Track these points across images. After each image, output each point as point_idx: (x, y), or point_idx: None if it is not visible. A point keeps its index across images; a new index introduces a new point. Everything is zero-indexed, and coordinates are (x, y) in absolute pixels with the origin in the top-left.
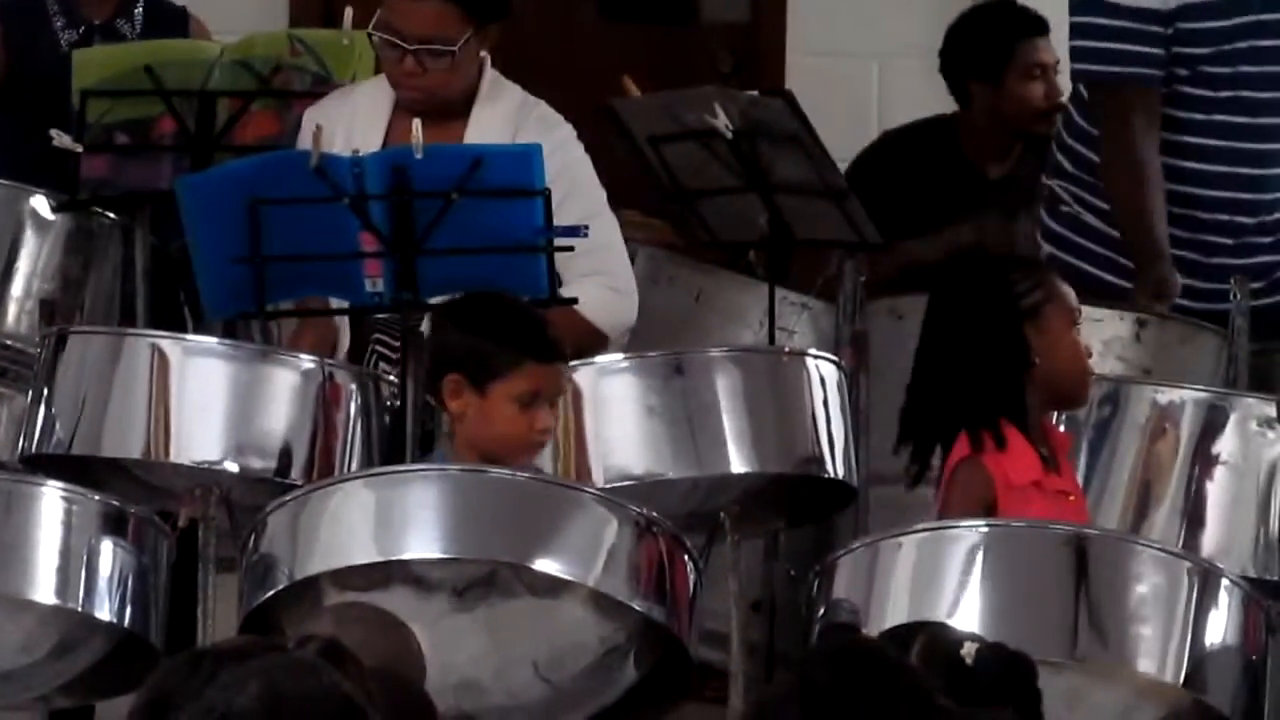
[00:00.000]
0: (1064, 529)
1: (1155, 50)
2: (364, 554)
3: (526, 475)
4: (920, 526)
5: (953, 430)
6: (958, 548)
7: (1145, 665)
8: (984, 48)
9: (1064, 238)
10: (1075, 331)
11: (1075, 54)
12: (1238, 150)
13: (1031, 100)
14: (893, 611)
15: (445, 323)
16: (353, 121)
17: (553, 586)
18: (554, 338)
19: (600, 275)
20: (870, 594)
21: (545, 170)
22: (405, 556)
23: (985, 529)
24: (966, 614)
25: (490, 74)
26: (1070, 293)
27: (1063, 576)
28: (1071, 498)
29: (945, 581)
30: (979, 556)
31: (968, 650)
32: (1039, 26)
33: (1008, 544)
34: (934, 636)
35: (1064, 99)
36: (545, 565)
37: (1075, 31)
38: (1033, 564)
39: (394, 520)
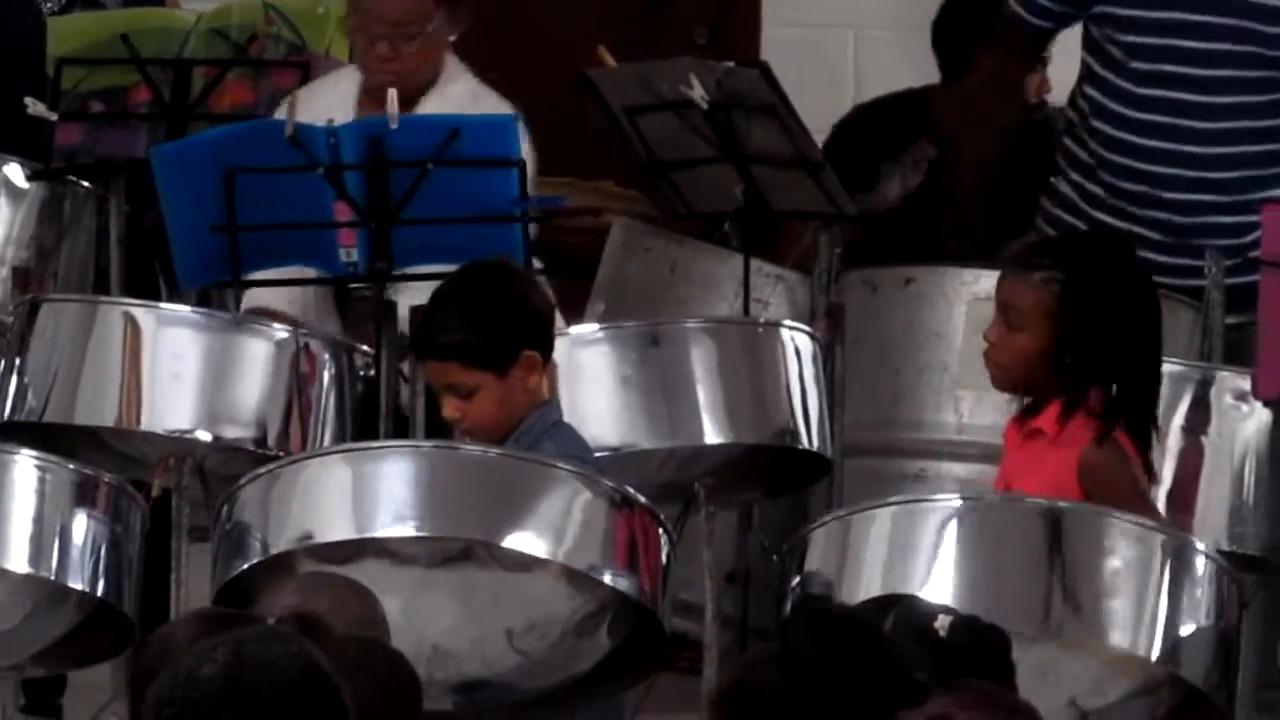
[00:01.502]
0: (1037, 502)
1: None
2: (337, 530)
3: (499, 451)
4: (893, 499)
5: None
6: (931, 520)
7: (1118, 639)
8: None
9: (1045, 209)
10: None
11: None
12: (1173, 126)
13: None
14: (866, 584)
15: None
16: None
17: (526, 562)
18: (429, 335)
19: None
20: (843, 567)
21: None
22: (378, 534)
23: (959, 501)
24: (940, 587)
25: (450, 58)
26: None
27: (1036, 549)
28: None
29: (918, 554)
30: (953, 529)
31: (941, 623)
32: None
33: (981, 516)
34: (907, 609)
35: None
36: (517, 542)
37: None
38: (1006, 537)
39: (367, 496)
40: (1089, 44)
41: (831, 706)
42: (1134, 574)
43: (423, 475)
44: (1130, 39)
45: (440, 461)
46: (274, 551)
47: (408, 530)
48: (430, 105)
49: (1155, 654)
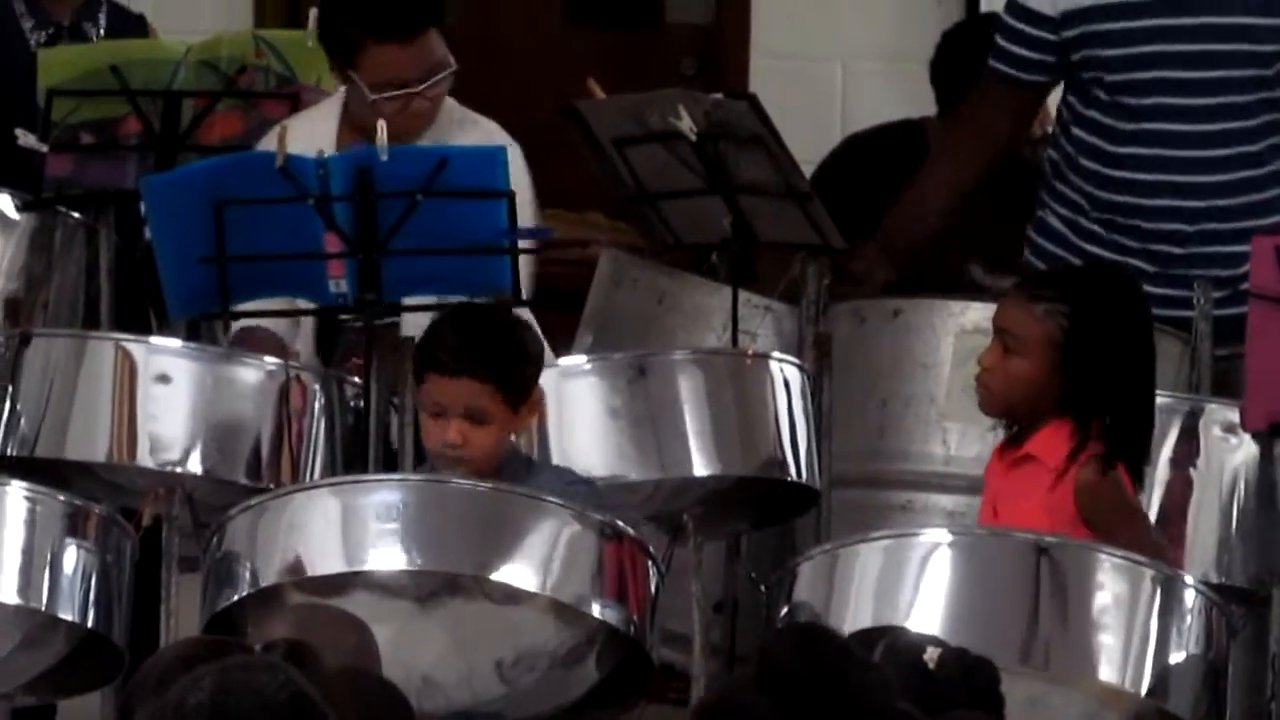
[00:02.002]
0: (1025, 536)
1: (1024, 51)
2: (326, 564)
3: (489, 485)
4: (881, 533)
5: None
6: (920, 554)
7: (1107, 674)
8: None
9: (1034, 242)
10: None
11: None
12: (1165, 158)
13: None
14: (854, 617)
15: None
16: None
17: (514, 594)
18: (461, 351)
19: None
20: (831, 599)
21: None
22: (367, 568)
23: (948, 535)
24: (928, 620)
25: None
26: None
27: (1025, 584)
28: None
29: (906, 587)
30: (941, 563)
31: (930, 655)
32: None
33: (970, 550)
34: (896, 641)
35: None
36: (505, 576)
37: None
38: (995, 571)
39: (356, 530)
40: (1070, 86)
41: None
42: (1122, 608)
43: (411, 510)
44: (1117, 77)
45: (429, 495)
46: (264, 584)
47: (397, 565)
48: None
49: (1144, 688)
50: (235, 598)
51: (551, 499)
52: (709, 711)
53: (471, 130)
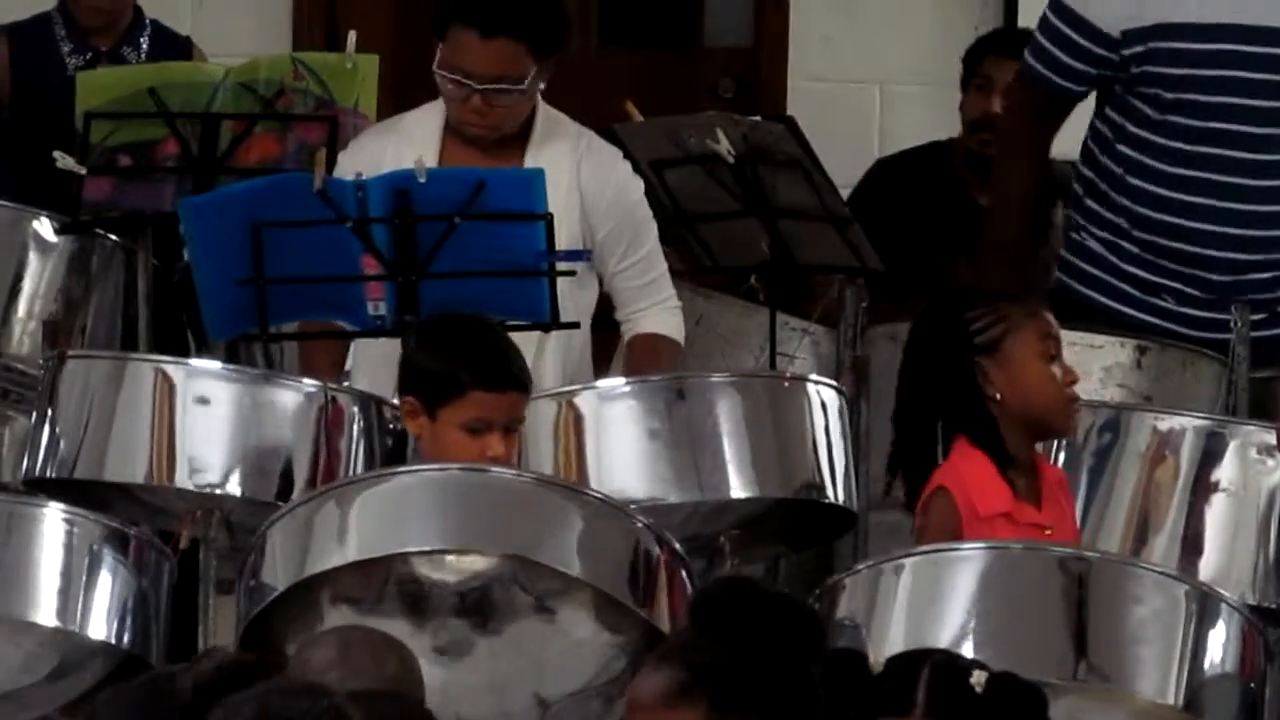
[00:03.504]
0: (1063, 551)
1: (1078, 64)
2: (370, 549)
3: (532, 476)
4: (920, 549)
5: (928, 461)
6: (957, 570)
7: (1144, 687)
8: (967, 57)
9: (1070, 263)
10: (1049, 360)
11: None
12: (1222, 183)
13: (970, 109)
14: (894, 633)
15: (412, 342)
16: (401, 149)
17: (552, 592)
18: (507, 365)
19: (665, 300)
20: (871, 616)
21: (600, 208)
22: (407, 549)
23: (985, 551)
24: (965, 636)
25: (543, 105)
26: (1045, 322)
27: (1062, 599)
28: (1048, 531)
29: (944, 604)
30: (978, 579)
31: (977, 679)
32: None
33: (1007, 566)
34: (942, 664)
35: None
36: (549, 558)
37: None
38: (1032, 586)
39: (391, 518)
40: (1112, 102)
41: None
42: (1160, 623)
43: (450, 498)
44: (1176, 96)
45: (468, 485)
46: (297, 579)
47: (434, 544)
48: (542, 153)
49: (1180, 702)
50: (270, 599)
51: (594, 494)
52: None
53: (601, 163)
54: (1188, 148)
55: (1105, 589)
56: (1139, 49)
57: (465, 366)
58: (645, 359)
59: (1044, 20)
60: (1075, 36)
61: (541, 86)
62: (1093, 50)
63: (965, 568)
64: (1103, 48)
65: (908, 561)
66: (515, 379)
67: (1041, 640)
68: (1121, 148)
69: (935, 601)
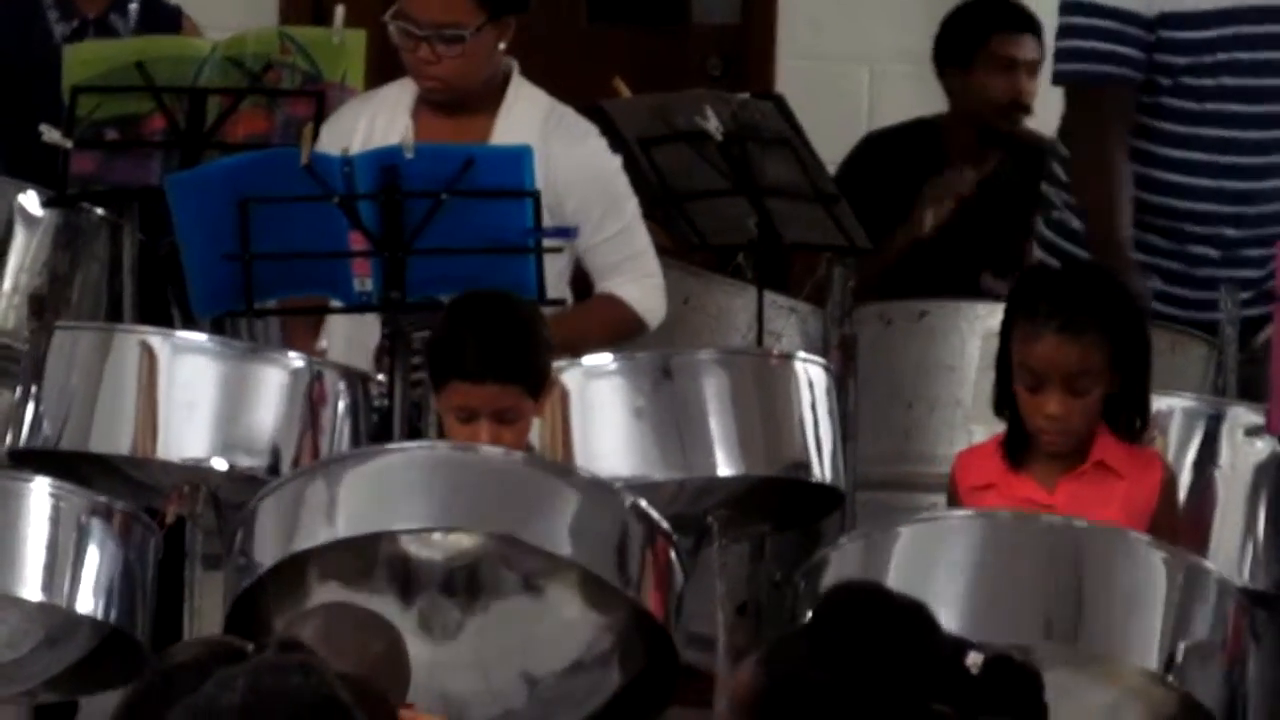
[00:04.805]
0: (1052, 520)
1: (1133, 52)
2: (356, 526)
3: (521, 456)
4: (908, 518)
5: None
6: (945, 538)
7: (1131, 655)
8: (961, 34)
9: (1051, 243)
10: (1029, 391)
11: (1058, 54)
12: (1221, 164)
13: (993, 92)
14: None
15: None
16: (374, 120)
17: (540, 571)
18: (487, 356)
19: (639, 274)
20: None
21: (571, 182)
22: (395, 527)
23: (973, 520)
24: (954, 604)
25: (517, 78)
26: (1027, 353)
27: (1050, 567)
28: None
29: (932, 571)
30: (967, 547)
31: (973, 660)
32: (1023, 23)
33: (995, 534)
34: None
35: (1032, 100)
36: (537, 538)
37: (1059, 32)
38: (1020, 554)
39: (379, 496)
40: None
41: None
42: (1148, 593)
43: (438, 476)
44: (1177, 81)
45: (455, 463)
46: (282, 557)
47: (421, 523)
48: (510, 122)
49: (1163, 669)
50: (256, 575)
51: (583, 473)
52: (765, 696)
53: (571, 137)
54: (1188, 131)
55: (1094, 558)
56: (1168, 35)
57: (445, 354)
58: (579, 311)
59: (1073, 27)
60: (1122, 27)
61: (502, 46)
62: (1139, 36)
63: (954, 536)
64: (1142, 30)
65: (898, 529)
66: (493, 370)
67: (1029, 608)
68: None
69: (922, 570)
